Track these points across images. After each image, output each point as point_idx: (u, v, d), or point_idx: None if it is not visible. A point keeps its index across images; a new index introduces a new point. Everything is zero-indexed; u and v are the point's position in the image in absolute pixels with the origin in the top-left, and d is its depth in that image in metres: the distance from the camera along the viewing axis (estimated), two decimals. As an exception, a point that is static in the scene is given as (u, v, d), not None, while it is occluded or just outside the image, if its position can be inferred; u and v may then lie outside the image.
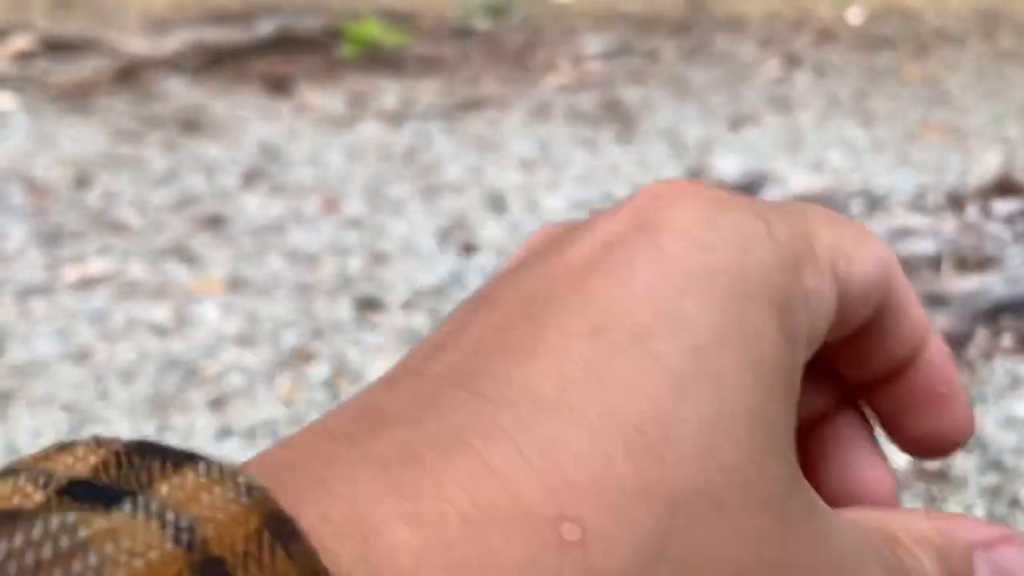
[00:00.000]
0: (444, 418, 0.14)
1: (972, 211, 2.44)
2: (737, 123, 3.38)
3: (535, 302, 0.16)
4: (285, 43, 3.66)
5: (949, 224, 2.30)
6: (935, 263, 2.22)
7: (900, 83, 4.06)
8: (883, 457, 0.22)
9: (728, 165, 2.44)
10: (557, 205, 2.56)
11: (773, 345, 0.16)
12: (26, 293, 1.93)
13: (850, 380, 0.21)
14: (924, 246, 2.20)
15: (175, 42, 3.44)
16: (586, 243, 0.17)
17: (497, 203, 2.56)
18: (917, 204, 2.44)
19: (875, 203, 2.36)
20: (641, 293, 0.15)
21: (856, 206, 2.34)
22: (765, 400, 0.15)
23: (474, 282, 2.09)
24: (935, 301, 2.07)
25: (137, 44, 3.43)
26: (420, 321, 1.91)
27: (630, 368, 0.14)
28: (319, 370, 1.71)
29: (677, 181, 0.19)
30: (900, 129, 3.41)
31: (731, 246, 0.17)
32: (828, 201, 2.32)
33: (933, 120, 3.53)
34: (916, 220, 2.24)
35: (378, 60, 3.70)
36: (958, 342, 1.94)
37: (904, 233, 2.21)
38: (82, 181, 2.48)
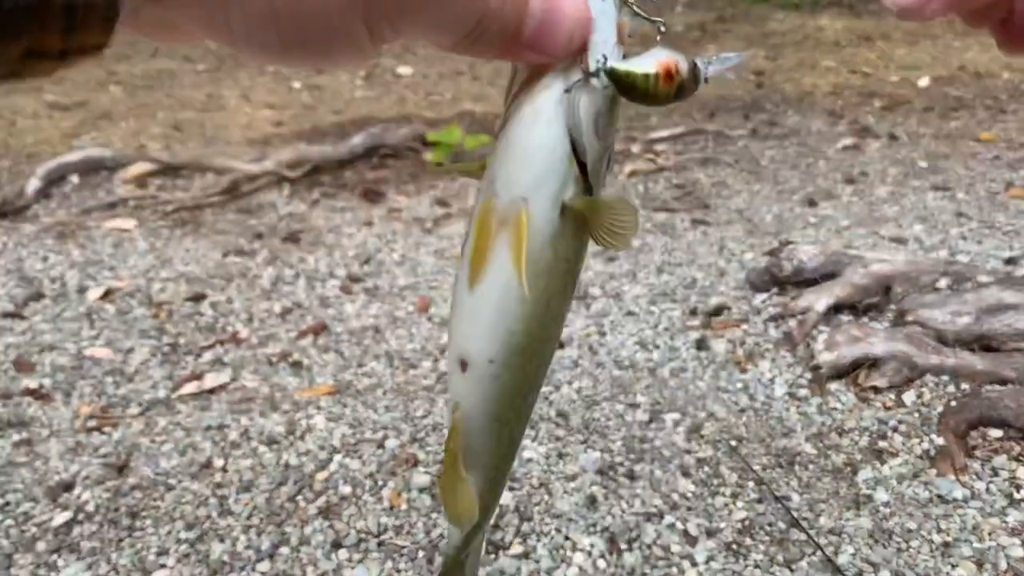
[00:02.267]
0: None
1: (1068, 278, 2.37)
2: (812, 199, 3.39)
3: None
4: (376, 153, 3.91)
5: (1044, 293, 2.21)
6: (1033, 336, 2.16)
7: (978, 145, 4.00)
8: None
9: (807, 250, 2.46)
10: (639, 294, 2.62)
11: None
12: (149, 408, 2.11)
13: None
14: (1021, 322, 2.14)
15: (276, 159, 3.72)
16: None
17: (581, 295, 2.64)
18: (1009, 277, 2.39)
19: (962, 277, 2.33)
20: None
21: (943, 282, 2.32)
22: None
23: (563, 379, 2.16)
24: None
25: (241, 163, 3.73)
26: (515, 422, 1.98)
27: None
28: (421, 477, 1.80)
29: None
30: (983, 194, 3.35)
31: None
32: (913, 280, 2.31)
33: (1017, 182, 3.46)
34: (1009, 295, 2.19)
35: (462, 162, 3.90)
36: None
37: (997, 309, 2.16)
38: (196, 296, 2.70)
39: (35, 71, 0.27)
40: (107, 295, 2.71)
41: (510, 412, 0.43)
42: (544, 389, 2.12)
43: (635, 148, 4.10)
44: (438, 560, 1.58)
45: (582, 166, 0.36)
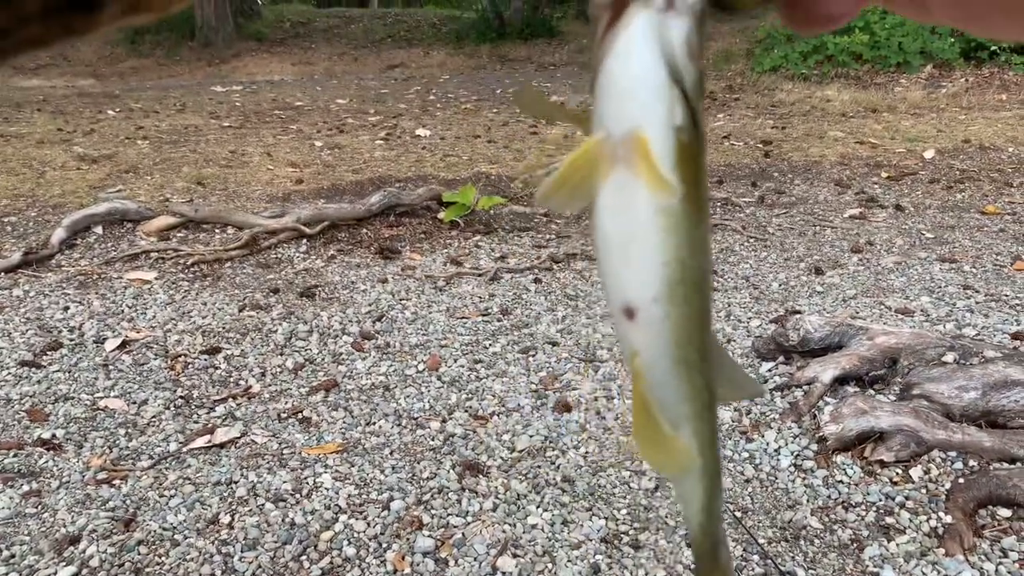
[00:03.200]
0: None
1: (1076, 354, 2.38)
2: (819, 267, 3.42)
3: None
4: (393, 211, 4.01)
5: (1052, 370, 2.21)
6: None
7: (984, 218, 4.04)
8: None
9: (813, 320, 2.48)
10: (646, 358, 2.63)
11: None
12: (160, 461, 2.13)
13: None
14: (1027, 397, 2.14)
15: (295, 215, 3.81)
16: None
17: (589, 358, 2.66)
18: (1016, 352, 2.40)
19: (968, 352, 2.34)
20: None
21: (949, 356, 2.33)
22: None
23: (569, 444, 2.17)
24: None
25: (261, 218, 3.81)
26: (520, 487, 1.99)
27: None
28: (425, 540, 1.80)
29: None
30: (989, 266, 3.37)
31: None
32: (919, 353, 2.33)
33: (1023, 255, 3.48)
34: (1016, 371, 2.19)
35: (475, 221, 3.98)
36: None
37: (1004, 385, 2.16)
38: (211, 349, 2.74)
39: (71, 26, 0.26)
40: (124, 346, 2.76)
41: (692, 352, 0.43)
42: (550, 453, 2.13)
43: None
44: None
45: (682, 90, 0.38)
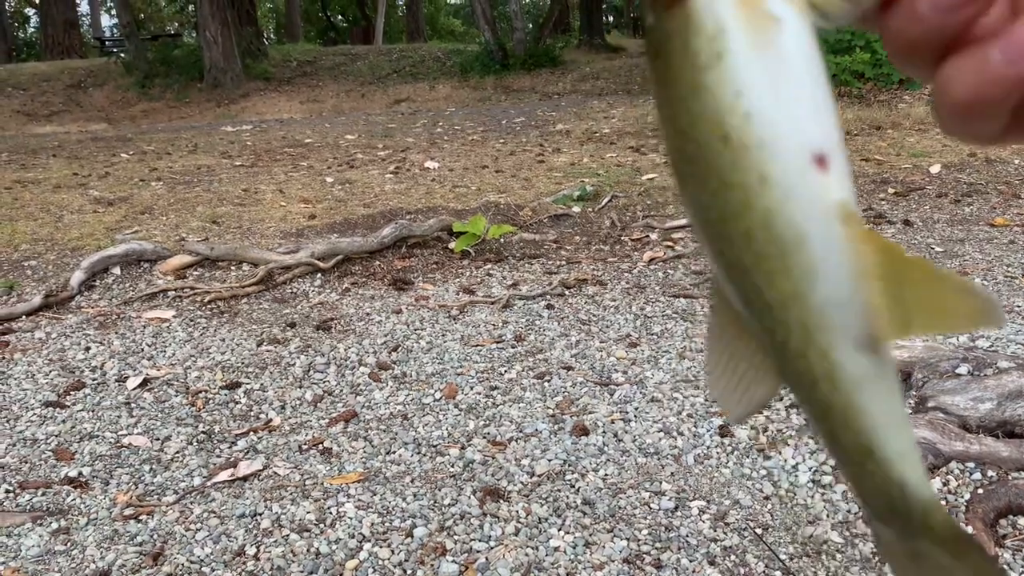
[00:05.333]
0: None
1: (1091, 362, 2.38)
2: (831, 285, 3.43)
3: None
4: (404, 243, 4.06)
5: (1067, 378, 2.22)
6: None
7: (993, 230, 4.06)
8: None
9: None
10: (662, 380, 2.66)
11: None
12: (185, 496, 2.16)
13: None
14: (1042, 406, 2.15)
15: (309, 250, 3.87)
16: None
17: (604, 382, 2.69)
18: (1028, 361, 2.41)
19: (982, 363, 2.35)
20: None
21: (963, 368, 2.34)
22: None
23: (589, 467, 2.19)
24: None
25: (276, 254, 3.88)
26: (541, 510, 2.01)
27: None
28: (449, 566, 1.82)
29: None
30: (1000, 278, 3.39)
31: None
32: (933, 366, 2.34)
33: (1035, 267, 3.49)
34: (1029, 380, 2.20)
35: (486, 250, 4.03)
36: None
37: (1019, 395, 2.17)
38: (231, 384, 2.78)
39: None
40: (145, 384, 2.81)
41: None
42: (569, 477, 2.15)
43: (653, 236, 4.21)
44: None
45: None
